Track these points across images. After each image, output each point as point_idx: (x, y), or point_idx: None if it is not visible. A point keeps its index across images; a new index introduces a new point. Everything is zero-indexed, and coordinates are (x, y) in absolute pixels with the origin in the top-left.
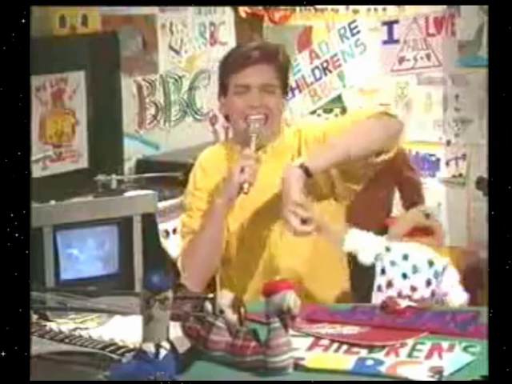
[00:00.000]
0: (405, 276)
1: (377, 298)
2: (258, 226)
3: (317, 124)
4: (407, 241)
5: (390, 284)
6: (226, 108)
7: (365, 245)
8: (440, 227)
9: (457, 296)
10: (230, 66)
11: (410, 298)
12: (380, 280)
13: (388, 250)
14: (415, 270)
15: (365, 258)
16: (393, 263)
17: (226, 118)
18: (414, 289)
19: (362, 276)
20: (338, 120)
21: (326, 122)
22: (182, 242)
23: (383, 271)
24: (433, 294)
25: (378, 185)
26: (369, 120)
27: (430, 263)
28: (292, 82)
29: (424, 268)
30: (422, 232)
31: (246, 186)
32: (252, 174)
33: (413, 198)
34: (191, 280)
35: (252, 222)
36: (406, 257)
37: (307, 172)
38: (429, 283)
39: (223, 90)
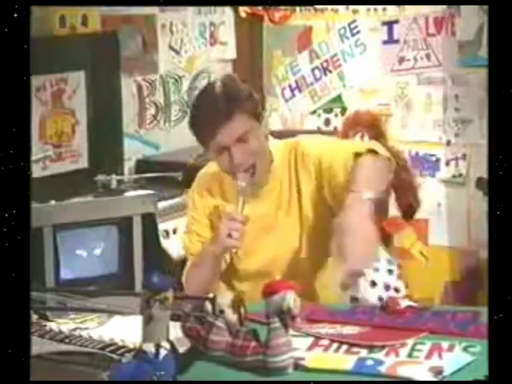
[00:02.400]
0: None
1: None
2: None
3: (309, 142)
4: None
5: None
6: (211, 157)
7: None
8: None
9: None
10: (198, 127)
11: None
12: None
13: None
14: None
15: None
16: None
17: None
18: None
19: None
20: (328, 145)
21: (316, 141)
22: (187, 264)
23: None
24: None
25: None
26: (369, 161)
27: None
28: (292, 81)
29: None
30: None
31: (234, 250)
32: (239, 238)
33: (408, 200)
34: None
35: (245, 275)
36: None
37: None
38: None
39: (202, 144)
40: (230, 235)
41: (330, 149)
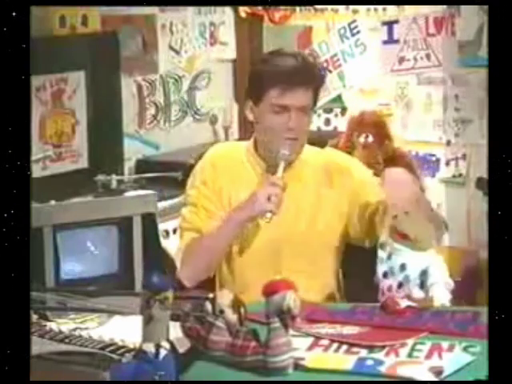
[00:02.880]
0: (400, 285)
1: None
2: (260, 253)
3: (345, 162)
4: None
5: (389, 289)
6: (258, 119)
7: None
8: None
9: (439, 295)
10: (268, 80)
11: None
12: (383, 283)
13: (389, 257)
14: (407, 280)
15: None
16: (392, 271)
17: (252, 123)
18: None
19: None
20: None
21: (359, 169)
22: (183, 237)
23: (385, 275)
24: (408, 296)
25: None
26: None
27: (402, 267)
28: None
29: (396, 271)
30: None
31: (268, 215)
32: (278, 203)
33: None
34: (187, 278)
35: (256, 247)
36: (403, 267)
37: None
38: (400, 286)
39: (256, 98)
40: (269, 199)
41: (370, 182)
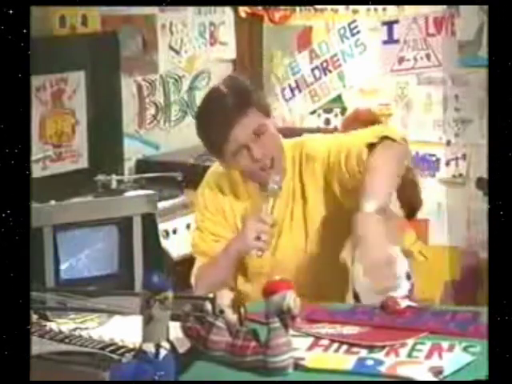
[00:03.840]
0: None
1: None
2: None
3: (314, 141)
4: None
5: None
6: (231, 168)
7: None
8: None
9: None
10: (214, 132)
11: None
12: None
13: None
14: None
15: None
16: None
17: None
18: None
19: None
20: (335, 141)
21: (322, 140)
22: (195, 262)
23: None
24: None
25: None
26: (384, 151)
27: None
28: (292, 82)
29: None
30: None
31: (259, 253)
32: (268, 241)
33: (410, 198)
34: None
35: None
36: None
37: (385, 214)
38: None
39: (217, 155)
40: (258, 238)
41: (338, 144)
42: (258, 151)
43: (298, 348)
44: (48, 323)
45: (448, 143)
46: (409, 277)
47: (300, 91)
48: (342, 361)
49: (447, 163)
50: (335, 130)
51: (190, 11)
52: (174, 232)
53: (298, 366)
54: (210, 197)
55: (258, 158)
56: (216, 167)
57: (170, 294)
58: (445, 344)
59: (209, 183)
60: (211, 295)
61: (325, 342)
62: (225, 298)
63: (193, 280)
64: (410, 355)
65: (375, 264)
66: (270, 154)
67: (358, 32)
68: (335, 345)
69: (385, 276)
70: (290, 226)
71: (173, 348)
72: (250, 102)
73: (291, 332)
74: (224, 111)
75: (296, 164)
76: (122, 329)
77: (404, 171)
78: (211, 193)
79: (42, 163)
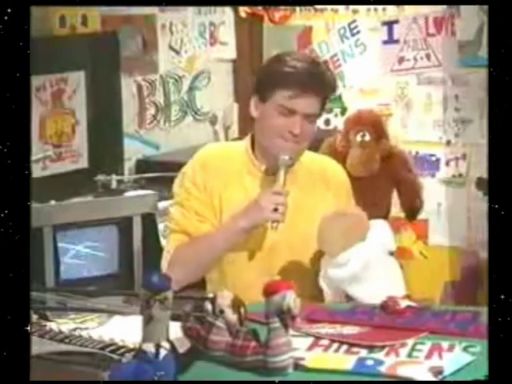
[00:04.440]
0: None
1: None
2: (258, 255)
3: (336, 167)
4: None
5: None
6: (262, 117)
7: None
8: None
9: None
10: (282, 79)
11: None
12: None
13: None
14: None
15: None
16: None
17: (253, 121)
18: None
19: None
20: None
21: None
22: (171, 239)
23: None
24: None
25: (376, 185)
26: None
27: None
28: None
29: None
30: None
31: (275, 224)
32: (284, 213)
33: (411, 200)
34: (176, 280)
35: (253, 250)
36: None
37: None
38: None
39: (264, 95)
40: (275, 209)
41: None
42: (301, 127)
43: (298, 348)
44: (48, 323)
45: (448, 143)
46: None
47: None
48: (342, 361)
49: (447, 163)
50: (335, 130)
51: (190, 11)
52: None
53: (297, 366)
54: (200, 175)
55: (296, 133)
56: (208, 148)
57: (169, 294)
58: (445, 344)
59: (201, 161)
60: (211, 295)
61: (325, 341)
62: (225, 298)
63: (167, 259)
64: (409, 355)
65: None
66: (304, 138)
67: (358, 32)
68: (335, 345)
69: None
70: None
71: (173, 348)
72: (325, 94)
73: (291, 332)
74: (315, 76)
75: (318, 174)
76: (122, 329)
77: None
78: (202, 171)
79: (42, 163)
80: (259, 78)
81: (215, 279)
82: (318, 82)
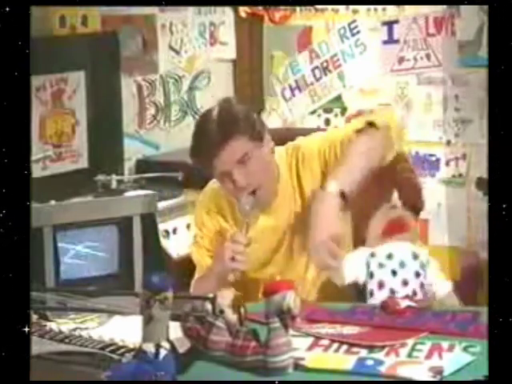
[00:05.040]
0: (394, 273)
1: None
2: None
3: (309, 140)
4: (388, 241)
5: (381, 285)
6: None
7: (356, 268)
8: (410, 216)
9: (442, 285)
10: (201, 156)
11: (406, 296)
12: (371, 285)
13: (373, 255)
14: (402, 264)
15: (360, 279)
16: (380, 265)
17: None
18: (405, 283)
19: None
20: (328, 135)
21: (316, 137)
22: (195, 274)
23: (372, 275)
24: (421, 285)
25: (376, 185)
26: (362, 138)
27: (415, 256)
28: (292, 81)
29: (410, 261)
30: (398, 228)
31: (236, 274)
32: (243, 261)
33: (412, 200)
34: None
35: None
36: (390, 256)
37: (345, 199)
38: (418, 274)
39: (206, 171)
40: (233, 258)
41: (331, 138)
42: (240, 179)
43: (298, 348)
44: (48, 323)
45: (448, 143)
46: (418, 274)
47: (300, 91)
48: (342, 361)
49: (447, 163)
50: None
51: (190, 11)
52: (174, 232)
53: (297, 366)
54: (204, 216)
55: (240, 186)
56: (208, 190)
57: (169, 294)
58: (445, 344)
59: (202, 203)
60: (211, 295)
61: (325, 342)
62: (225, 298)
63: (191, 290)
64: (410, 355)
65: (320, 239)
66: (255, 182)
67: (358, 32)
68: (335, 345)
69: (327, 252)
70: (294, 228)
71: (173, 348)
72: (236, 130)
73: (291, 332)
74: (209, 137)
75: (293, 168)
76: (122, 329)
77: (385, 159)
78: (205, 213)
79: (42, 163)
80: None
81: None
82: (225, 130)
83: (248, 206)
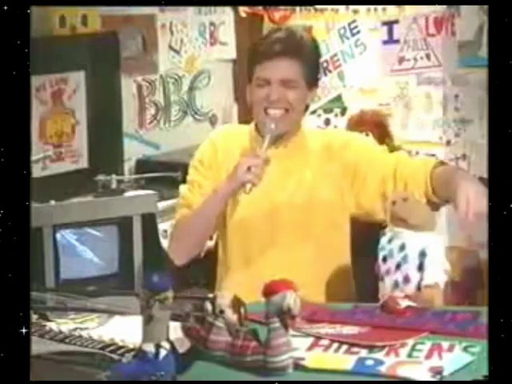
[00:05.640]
0: (398, 266)
1: (382, 289)
2: (259, 224)
3: (345, 136)
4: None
5: (388, 272)
6: (249, 96)
7: None
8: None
9: (434, 275)
10: (254, 56)
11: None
12: (382, 268)
13: (390, 241)
14: (405, 260)
15: None
16: (390, 254)
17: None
18: (407, 280)
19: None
20: (371, 145)
21: (358, 140)
22: (177, 212)
23: (384, 259)
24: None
25: None
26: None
27: (401, 248)
28: None
29: (394, 253)
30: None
31: (248, 186)
32: (257, 174)
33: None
34: (177, 255)
35: (254, 218)
36: (402, 247)
37: None
38: (398, 267)
39: (249, 78)
40: (248, 169)
41: (369, 147)
42: (277, 93)
43: (298, 348)
44: (48, 323)
45: (448, 143)
46: (402, 248)
47: None
48: (342, 361)
49: None
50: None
51: (190, 11)
52: None
53: (297, 366)
54: (208, 153)
55: (272, 99)
56: (222, 129)
57: (170, 293)
58: (445, 344)
59: (212, 140)
60: (211, 295)
61: (325, 342)
62: (225, 298)
63: (171, 231)
64: (410, 355)
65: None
66: (286, 105)
67: (358, 32)
68: (335, 345)
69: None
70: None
71: (173, 348)
72: (297, 55)
73: (291, 332)
74: (283, 40)
75: (323, 147)
76: (122, 329)
77: None
78: (211, 149)
79: (42, 163)
80: (247, 63)
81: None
82: (290, 46)
83: (272, 124)
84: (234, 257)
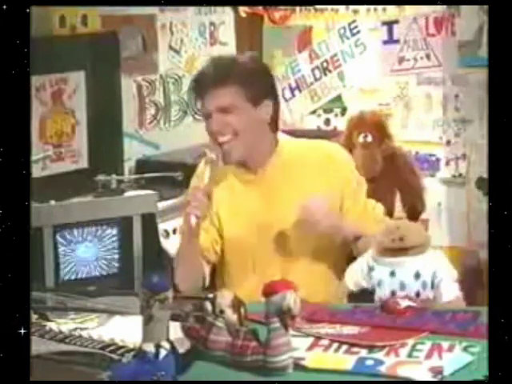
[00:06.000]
0: (393, 293)
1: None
2: (253, 242)
3: (325, 150)
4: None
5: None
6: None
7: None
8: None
9: (449, 290)
10: (192, 92)
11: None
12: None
13: (371, 269)
14: (402, 286)
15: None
16: (380, 283)
17: None
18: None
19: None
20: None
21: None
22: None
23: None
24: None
25: (379, 187)
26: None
27: (417, 276)
28: (292, 81)
29: (411, 283)
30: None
31: (192, 219)
32: (197, 206)
33: (413, 201)
34: (177, 278)
35: (248, 237)
36: (392, 273)
37: None
38: (418, 295)
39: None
40: (188, 202)
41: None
42: (215, 124)
43: (298, 348)
44: (48, 323)
45: (448, 143)
46: (417, 276)
47: (300, 91)
48: (342, 361)
49: (447, 163)
50: (335, 130)
51: (190, 11)
52: (174, 232)
53: (297, 366)
54: (196, 183)
55: (213, 130)
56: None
57: (169, 293)
58: (445, 344)
59: (197, 173)
60: (211, 295)
61: (325, 342)
62: (225, 298)
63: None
64: (410, 355)
65: None
66: (229, 135)
67: (358, 32)
68: (335, 345)
69: None
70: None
71: (173, 348)
72: (231, 79)
73: (291, 332)
74: (211, 70)
75: (314, 161)
76: (122, 329)
77: None
78: (197, 180)
79: (42, 163)
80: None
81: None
82: (222, 73)
83: (214, 156)
84: (231, 273)
